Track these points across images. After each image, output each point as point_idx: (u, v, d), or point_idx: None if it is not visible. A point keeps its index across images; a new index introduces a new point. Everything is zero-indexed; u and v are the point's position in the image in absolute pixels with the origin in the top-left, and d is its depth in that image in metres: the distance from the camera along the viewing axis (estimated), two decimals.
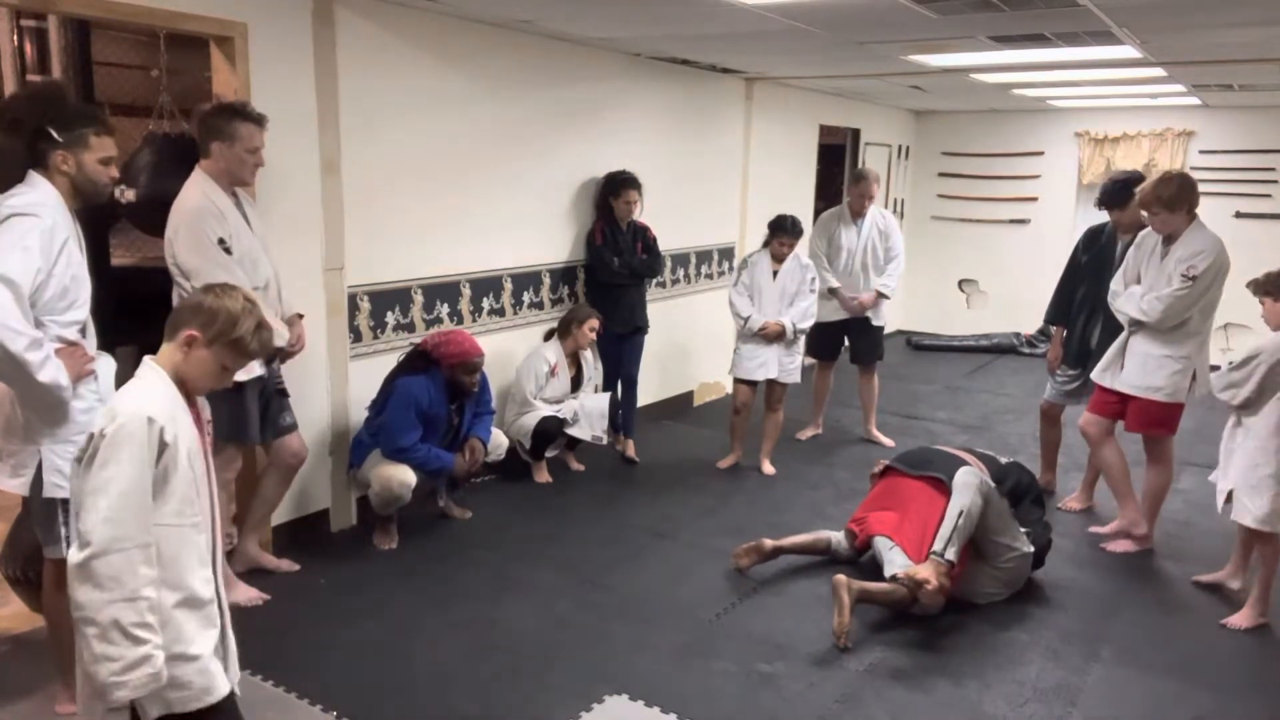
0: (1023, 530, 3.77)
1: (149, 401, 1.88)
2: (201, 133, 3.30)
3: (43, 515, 2.56)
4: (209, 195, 3.25)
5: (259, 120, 3.32)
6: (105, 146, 2.59)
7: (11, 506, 3.05)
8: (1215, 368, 3.84)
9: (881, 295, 5.80)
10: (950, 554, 3.52)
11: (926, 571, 3.48)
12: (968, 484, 3.67)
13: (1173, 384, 3.98)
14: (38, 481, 2.50)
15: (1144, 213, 4.02)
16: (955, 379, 7.83)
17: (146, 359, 1.98)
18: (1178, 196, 3.88)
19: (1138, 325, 4.06)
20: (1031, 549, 3.76)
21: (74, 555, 1.80)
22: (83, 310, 2.58)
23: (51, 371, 2.39)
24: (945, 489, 3.75)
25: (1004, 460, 3.98)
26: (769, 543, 3.94)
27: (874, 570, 3.76)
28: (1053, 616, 3.67)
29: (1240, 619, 3.62)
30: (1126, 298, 4.10)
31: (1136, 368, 4.06)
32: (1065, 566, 4.08)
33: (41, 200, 2.46)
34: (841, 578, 3.44)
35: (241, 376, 3.29)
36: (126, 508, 1.81)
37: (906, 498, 3.88)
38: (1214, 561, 4.13)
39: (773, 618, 3.58)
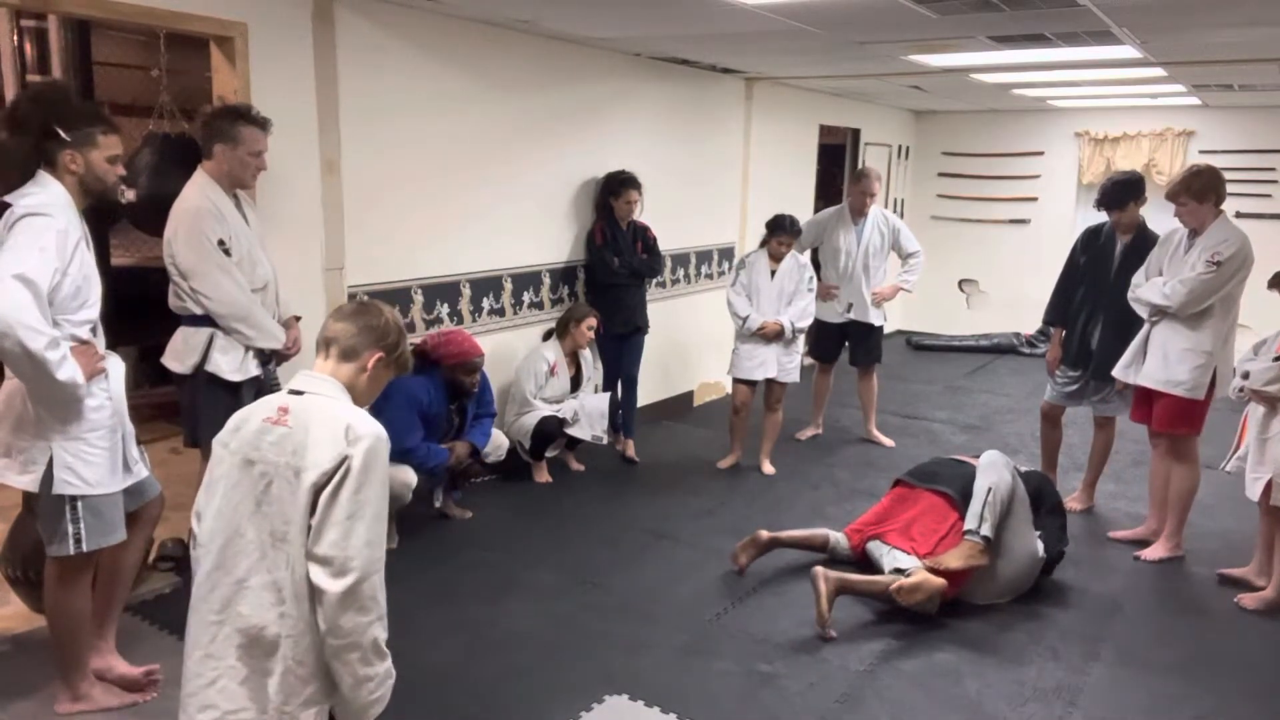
0: (1037, 532, 3.77)
1: (373, 420, 1.88)
2: (205, 134, 3.31)
3: (49, 512, 2.56)
4: (209, 196, 3.25)
5: (263, 124, 3.32)
6: (112, 145, 2.60)
7: (11, 506, 3.05)
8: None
9: (902, 289, 5.88)
10: (985, 529, 3.50)
11: (961, 556, 3.46)
12: (994, 462, 3.66)
13: (1194, 379, 3.95)
14: (47, 478, 2.51)
15: (1170, 206, 4.02)
16: (955, 379, 7.83)
17: (321, 375, 1.95)
18: (1206, 188, 3.92)
19: (1158, 316, 4.05)
20: (1044, 554, 3.75)
21: (335, 583, 1.76)
22: (94, 309, 2.59)
23: (69, 370, 2.40)
24: (954, 503, 3.75)
25: (1023, 469, 3.97)
26: (764, 534, 3.93)
27: (873, 572, 3.76)
28: (1053, 616, 3.67)
29: (1253, 600, 3.72)
30: (1148, 287, 4.08)
31: (1158, 361, 4.05)
32: (1065, 566, 4.06)
33: (52, 201, 2.47)
34: (819, 569, 3.45)
35: (237, 377, 3.32)
36: (379, 529, 1.83)
37: (914, 509, 3.87)
38: (1216, 560, 4.14)
39: (773, 618, 3.58)
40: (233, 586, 1.87)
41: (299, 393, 1.92)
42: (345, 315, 2.01)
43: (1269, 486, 3.62)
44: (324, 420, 1.85)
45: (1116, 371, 4.26)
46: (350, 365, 1.97)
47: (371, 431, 1.84)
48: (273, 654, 1.85)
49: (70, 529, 2.55)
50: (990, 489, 3.58)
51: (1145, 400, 4.20)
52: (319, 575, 1.79)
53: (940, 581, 3.47)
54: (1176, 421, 4.08)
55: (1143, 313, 4.13)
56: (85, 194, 2.58)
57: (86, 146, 2.54)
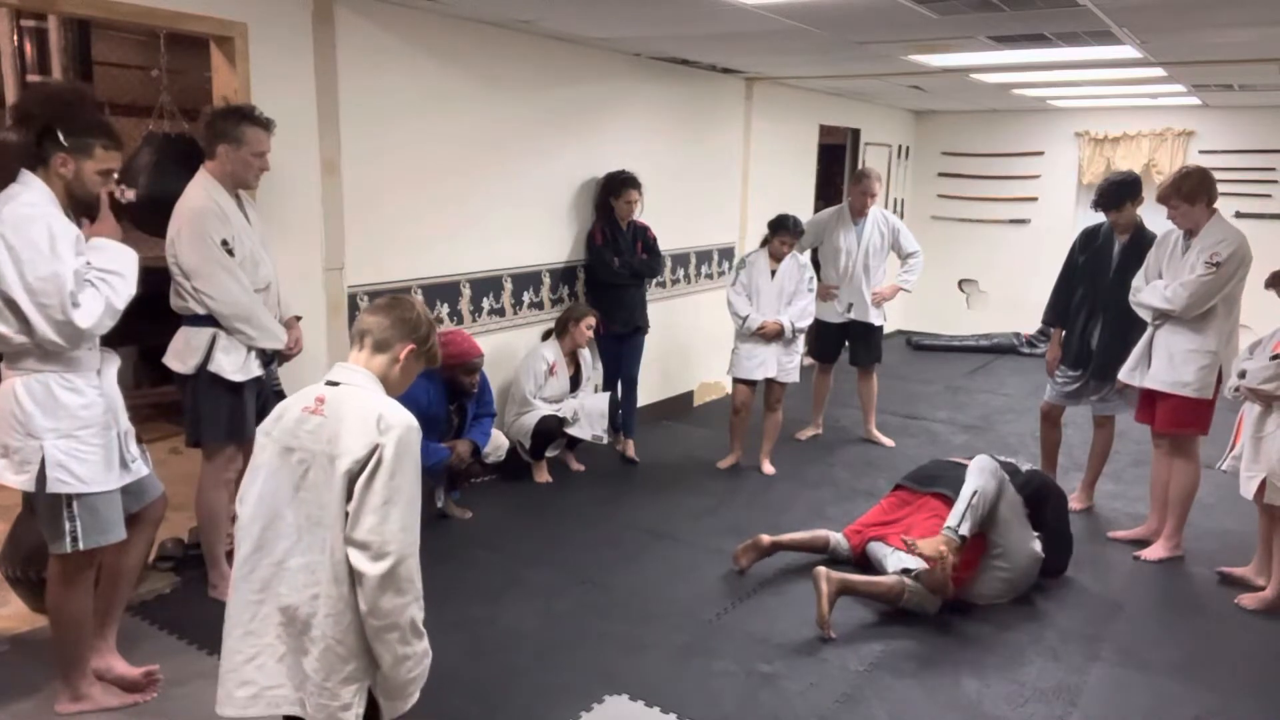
0: (1035, 533, 3.77)
1: (404, 410, 1.94)
2: (208, 134, 3.30)
3: (46, 511, 2.56)
4: (213, 196, 3.25)
5: (266, 125, 3.32)
6: (109, 160, 2.59)
7: (12, 506, 3.05)
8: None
9: (902, 289, 5.88)
10: (964, 529, 3.53)
11: (935, 545, 3.49)
12: (983, 468, 3.70)
13: (1200, 379, 3.95)
14: (41, 477, 2.50)
15: (1165, 208, 4.02)
16: (955, 379, 7.83)
17: (354, 368, 2.02)
18: (1197, 190, 3.92)
19: (1162, 319, 4.05)
20: (1041, 552, 3.75)
21: (374, 567, 1.83)
22: None
23: (105, 294, 2.50)
24: (953, 505, 3.75)
25: (1025, 468, 3.98)
26: (766, 538, 3.94)
27: (874, 573, 3.76)
28: (1053, 616, 3.67)
29: (1252, 600, 3.73)
30: (1149, 291, 4.07)
31: (1163, 363, 4.04)
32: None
33: (37, 200, 2.46)
34: (821, 569, 3.47)
35: (239, 377, 3.31)
36: (414, 513, 1.90)
37: (914, 512, 3.89)
38: (1216, 560, 4.14)
39: (773, 618, 3.58)
40: (272, 567, 1.95)
41: (335, 384, 2.00)
42: (378, 309, 2.09)
43: (1263, 484, 3.63)
44: (357, 410, 1.92)
45: (1122, 375, 4.26)
46: (383, 357, 2.04)
47: (402, 421, 1.90)
48: (307, 632, 1.92)
49: (67, 527, 2.56)
50: (976, 492, 3.61)
51: (1149, 401, 4.20)
52: (358, 559, 1.85)
53: (951, 589, 3.51)
54: (1183, 422, 4.07)
55: (1146, 316, 4.12)
56: (69, 198, 2.56)
57: (81, 155, 2.53)
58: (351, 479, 1.86)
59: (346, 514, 1.87)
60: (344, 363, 2.05)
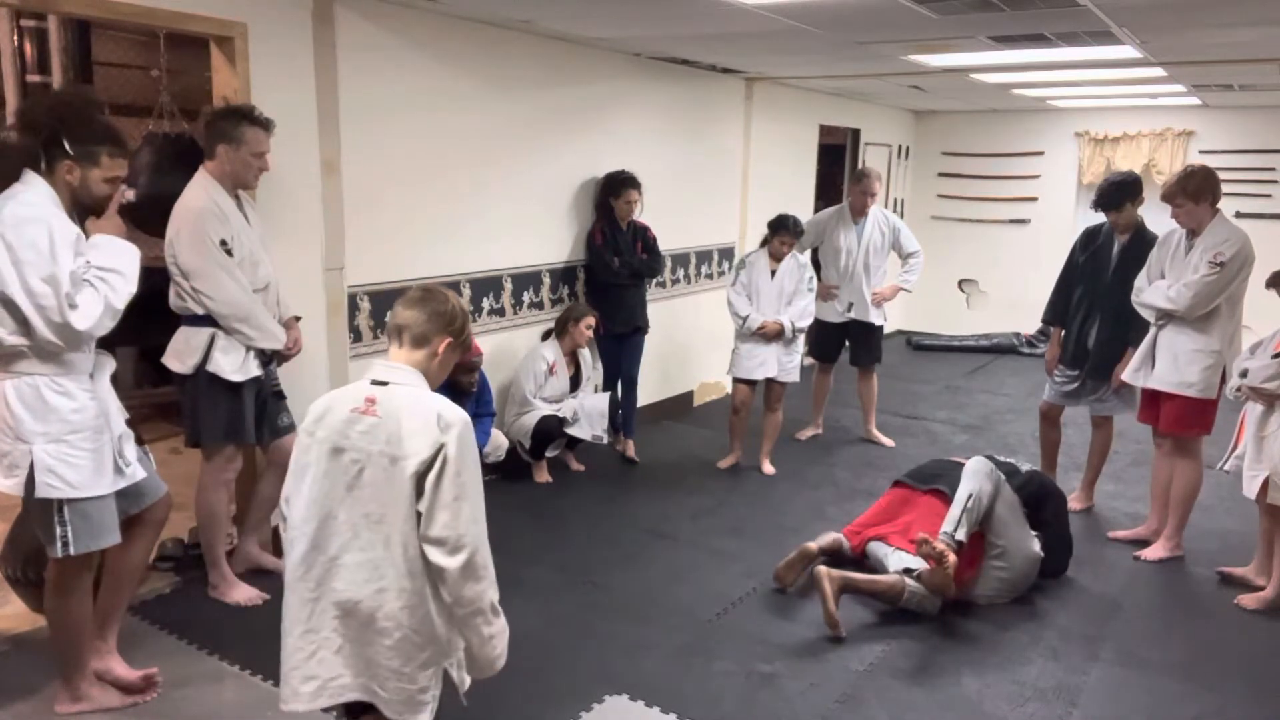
0: (1034, 533, 3.77)
1: (456, 406, 2.01)
2: (208, 134, 3.30)
3: (39, 515, 2.56)
4: (212, 196, 3.25)
5: (266, 125, 3.32)
6: (116, 168, 2.59)
7: (12, 506, 3.05)
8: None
9: (902, 289, 5.89)
10: (960, 534, 3.53)
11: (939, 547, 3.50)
12: (978, 470, 3.71)
13: (1205, 379, 3.95)
14: (31, 482, 2.48)
15: (1167, 207, 4.02)
16: (955, 379, 7.83)
17: (399, 366, 2.05)
18: (1202, 188, 3.93)
19: (1165, 319, 4.05)
20: (1040, 551, 3.76)
21: (453, 560, 1.92)
22: None
23: (104, 294, 2.48)
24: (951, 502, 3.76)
25: (1025, 468, 3.97)
26: (813, 546, 3.85)
27: (874, 573, 3.76)
28: (1053, 616, 3.67)
29: (1252, 600, 3.73)
30: (1152, 291, 4.07)
31: (1168, 364, 4.03)
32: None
33: (38, 201, 2.45)
34: (822, 569, 3.47)
35: (238, 377, 3.31)
36: (480, 504, 1.99)
37: (913, 510, 3.89)
38: (1216, 560, 4.14)
39: (773, 618, 3.58)
40: (326, 565, 2.02)
41: (383, 383, 2.02)
42: (413, 303, 2.11)
43: (1266, 484, 3.63)
44: (414, 410, 1.97)
45: (1126, 376, 4.26)
46: (422, 351, 2.09)
47: (460, 418, 1.97)
48: (371, 624, 2.00)
49: (58, 532, 2.54)
50: (971, 495, 3.61)
51: (1153, 402, 4.19)
52: (436, 555, 1.93)
53: (954, 588, 3.52)
54: (1187, 422, 4.06)
55: (1149, 316, 4.11)
56: (74, 204, 2.56)
57: (88, 163, 2.52)
58: (419, 479, 1.91)
59: (418, 513, 1.92)
60: (387, 361, 2.07)
